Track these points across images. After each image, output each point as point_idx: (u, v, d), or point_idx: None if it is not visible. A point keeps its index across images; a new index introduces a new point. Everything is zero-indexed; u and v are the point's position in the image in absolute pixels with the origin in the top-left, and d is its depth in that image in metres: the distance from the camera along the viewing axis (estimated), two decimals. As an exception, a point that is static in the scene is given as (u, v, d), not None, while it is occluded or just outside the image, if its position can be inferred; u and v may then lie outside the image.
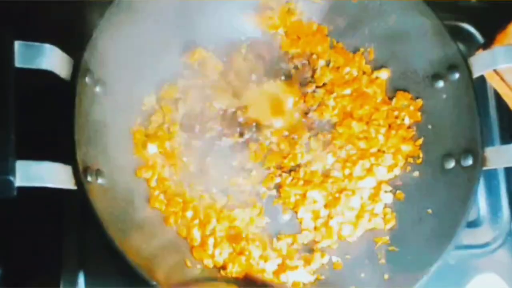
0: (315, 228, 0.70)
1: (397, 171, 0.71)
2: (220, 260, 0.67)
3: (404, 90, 0.73)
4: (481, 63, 0.64)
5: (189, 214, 0.68)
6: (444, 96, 0.68)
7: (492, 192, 0.76)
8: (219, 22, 0.74)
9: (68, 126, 0.57)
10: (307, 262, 0.68)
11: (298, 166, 0.72)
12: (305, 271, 0.67)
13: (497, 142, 0.77)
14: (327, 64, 0.76)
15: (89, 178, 0.57)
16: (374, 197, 0.70)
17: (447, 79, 0.67)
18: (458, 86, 0.66)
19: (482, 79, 0.75)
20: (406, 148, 0.71)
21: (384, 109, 0.73)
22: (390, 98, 0.74)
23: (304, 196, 0.70)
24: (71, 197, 0.66)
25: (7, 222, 0.66)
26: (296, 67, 0.76)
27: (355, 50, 0.76)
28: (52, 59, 0.56)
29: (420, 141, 0.71)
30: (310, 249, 0.69)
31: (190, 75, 0.73)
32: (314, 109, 0.74)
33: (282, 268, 0.67)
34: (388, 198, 0.71)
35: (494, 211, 0.75)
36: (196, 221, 0.68)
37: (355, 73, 0.75)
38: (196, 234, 0.67)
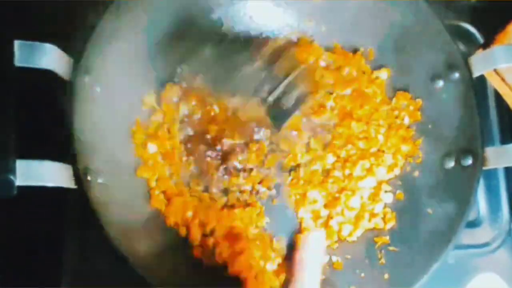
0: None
1: (397, 171, 0.72)
2: (220, 260, 0.67)
3: (404, 90, 0.73)
4: (481, 63, 0.64)
5: (189, 214, 0.68)
6: (444, 96, 0.68)
7: (492, 192, 0.76)
8: (219, 23, 0.75)
9: (68, 126, 0.57)
10: (307, 262, 0.68)
11: (298, 166, 0.72)
12: (305, 271, 0.67)
13: (497, 142, 0.77)
14: (327, 65, 0.76)
15: (89, 178, 0.57)
16: (374, 197, 0.71)
17: (447, 79, 0.67)
18: (458, 86, 0.66)
19: (482, 79, 0.75)
20: (406, 148, 0.71)
21: (384, 109, 0.73)
22: (390, 98, 0.74)
23: (304, 196, 0.70)
24: (71, 196, 0.66)
25: (7, 222, 0.66)
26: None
27: (355, 50, 0.76)
28: (52, 59, 0.56)
29: (420, 141, 0.71)
30: (310, 249, 0.69)
31: (190, 75, 0.73)
32: (314, 109, 0.74)
33: (282, 268, 0.67)
34: (388, 198, 0.71)
35: (494, 211, 0.75)
36: (196, 221, 0.68)
37: (354, 73, 0.75)
38: (196, 234, 0.67)
